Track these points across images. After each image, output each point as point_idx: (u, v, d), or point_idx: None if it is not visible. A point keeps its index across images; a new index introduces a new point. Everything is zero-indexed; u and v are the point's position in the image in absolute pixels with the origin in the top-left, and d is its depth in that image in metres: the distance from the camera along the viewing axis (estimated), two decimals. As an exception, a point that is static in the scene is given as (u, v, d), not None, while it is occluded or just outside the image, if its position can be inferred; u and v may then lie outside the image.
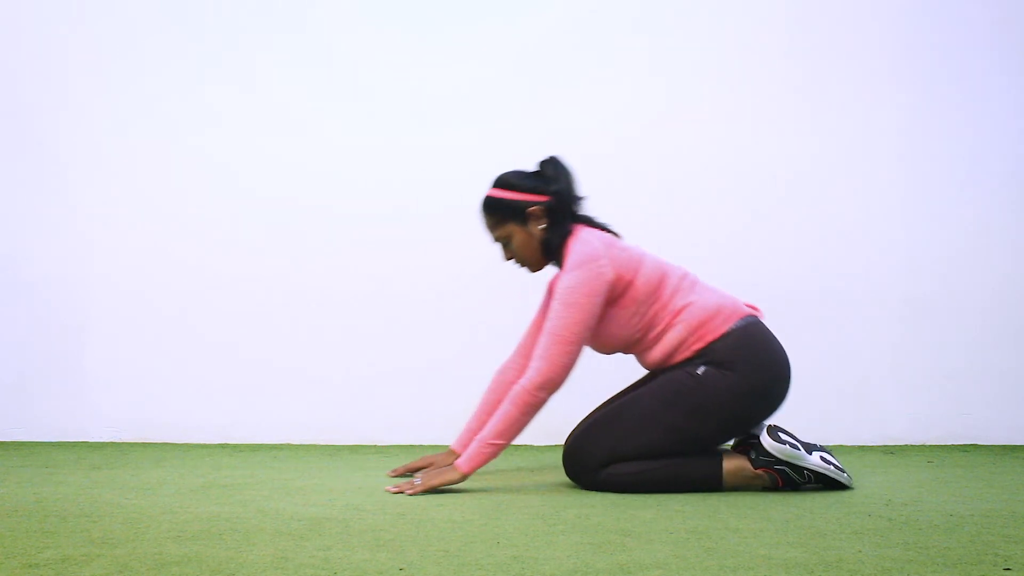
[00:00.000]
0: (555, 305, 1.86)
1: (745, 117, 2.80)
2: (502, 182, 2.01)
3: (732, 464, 1.85)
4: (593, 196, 2.78)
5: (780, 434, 1.84)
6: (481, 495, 1.83)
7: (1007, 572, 1.17)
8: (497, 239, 2.02)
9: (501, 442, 1.85)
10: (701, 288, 1.94)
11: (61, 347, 2.86)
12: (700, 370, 1.85)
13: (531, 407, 1.85)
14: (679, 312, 1.89)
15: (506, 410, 1.85)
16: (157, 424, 2.82)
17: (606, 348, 1.98)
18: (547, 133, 2.80)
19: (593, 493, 1.85)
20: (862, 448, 2.64)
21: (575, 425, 2.03)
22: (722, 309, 1.89)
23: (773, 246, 2.76)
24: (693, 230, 2.74)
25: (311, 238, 2.84)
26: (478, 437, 1.87)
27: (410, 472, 2.08)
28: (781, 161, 2.79)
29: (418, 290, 2.82)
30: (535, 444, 2.74)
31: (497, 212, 1.99)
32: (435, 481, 1.85)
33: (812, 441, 1.91)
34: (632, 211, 2.77)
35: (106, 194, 2.88)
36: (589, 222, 2.00)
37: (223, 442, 2.79)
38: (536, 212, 1.96)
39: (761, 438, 1.83)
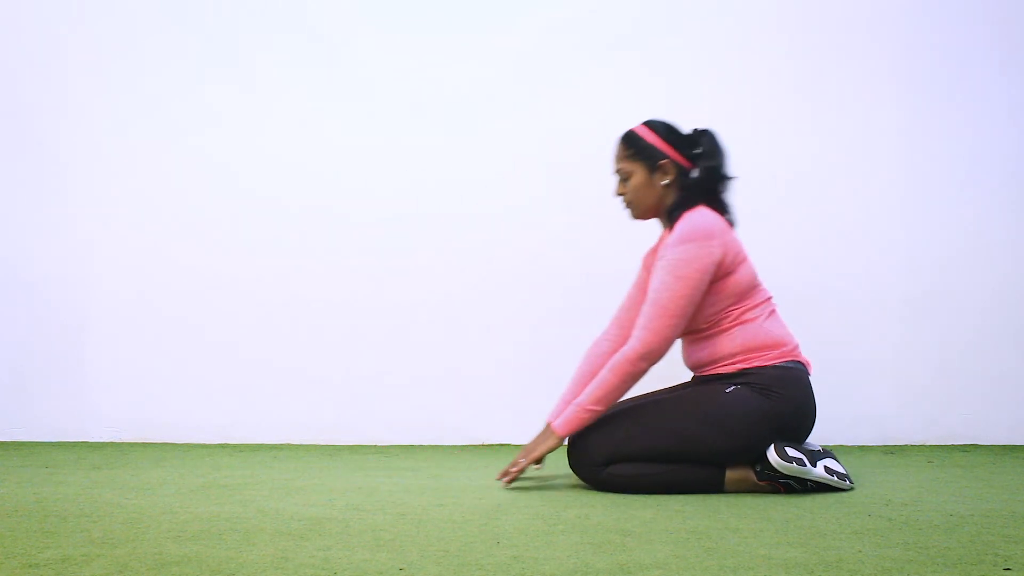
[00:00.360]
0: (663, 276, 1.85)
1: (745, 117, 2.80)
2: (652, 125, 1.99)
3: (735, 474, 1.84)
4: (592, 195, 2.79)
5: (787, 450, 1.81)
6: (481, 495, 1.83)
7: (1007, 572, 1.17)
8: (618, 171, 2.00)
9: (598, 408, 1.85)
10: (776, 318, 1.95)
11: (61, 347, 2.86)
12: (729, 389, 1.85)
13: (631, 376, 1.84)
14: (745, 323, 1.89)
15: (605, 377, 1.85)
16: (157, 424, 2.82)
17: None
18: (547, 133, 2.81)
19: (593, 493, 1.85)
20: (862, 448, 2.64)
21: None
22: (783, 344, 1.89)
23: (773, 246, 2.75)
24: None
25: (311, 238, 2.84)
26: (575, 402, 1.87)
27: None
28: (781, 161, 2.79)
29: (418, 290, 2.82)
30: (535, 444, 2.74)
31: (633, 147, 1.97)
32: (536, 452, 1.87)
33: (816, 446, 1.90)
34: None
35: (106, 194, 2.88)
36: (726, 209, 1.98)
37: (223, 442, 2.79)
38: (667, 167, 1.95)
39: (768, 454, 1.81)
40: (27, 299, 2.87)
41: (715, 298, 1.89)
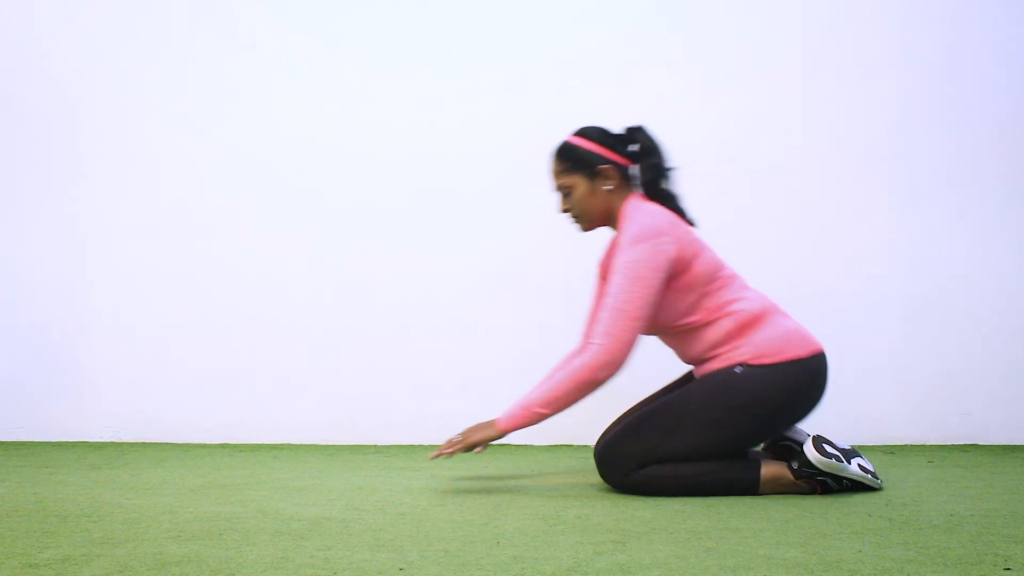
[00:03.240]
0: (617, 280, 1.81)
1: (745, 114, 2.80)
2: (584, 132, 1.96)
3: (770, 471, 1.82)
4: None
5: (825, 446, 1.80)
6: (481, 495, 1.83)
7: (1007, 572, 1.17)
8: (559, 188, 1.96)
9: (546, 412, 1.80)
10: (750, 290, 1.93)
11: (61, 347, 2.86)
12: (738, 369, 1.83)
13: (588, 385, 1.79)
14: (727, 305, 1.86)
15: (561, 382, 1.79)
16: (157, 424, 2.82)
17: (648, 328, 1.93)
18: (548, 135, 2.80)
19: (593, 493, 1.85)
20: (862, 448, 2.64)
21: (606, 426, 2.01)
22: (769, 312, 1.88)
23: (773, 245, 2.76)
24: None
25: (310, 239, 2.84)
26: (526, 399, 1.82)
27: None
28: (782, 160, 2.79)
29: (418, 291, 2.81)
30: (535, 444, 2.74)
31: (569, 159, 1.93)
32: (474, 437, 1.83)
33: (846, 445, 1.89)
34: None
35: (106, 194, 2.88)
36: (673, 200, 1.96)
37: (223, 442, 2.79)
38: (608, 171, 1.91)
39: (806, 449, 1.79)
40: (27, 299, 2.87)
41: (683, 294, 1.86)
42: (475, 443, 1.83)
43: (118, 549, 1.32)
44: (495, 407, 2.80)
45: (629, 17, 2.84)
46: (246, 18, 2.89)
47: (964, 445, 2.68)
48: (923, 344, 2.73)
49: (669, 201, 1.95)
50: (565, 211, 1.97)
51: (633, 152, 1.95)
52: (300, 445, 2.75)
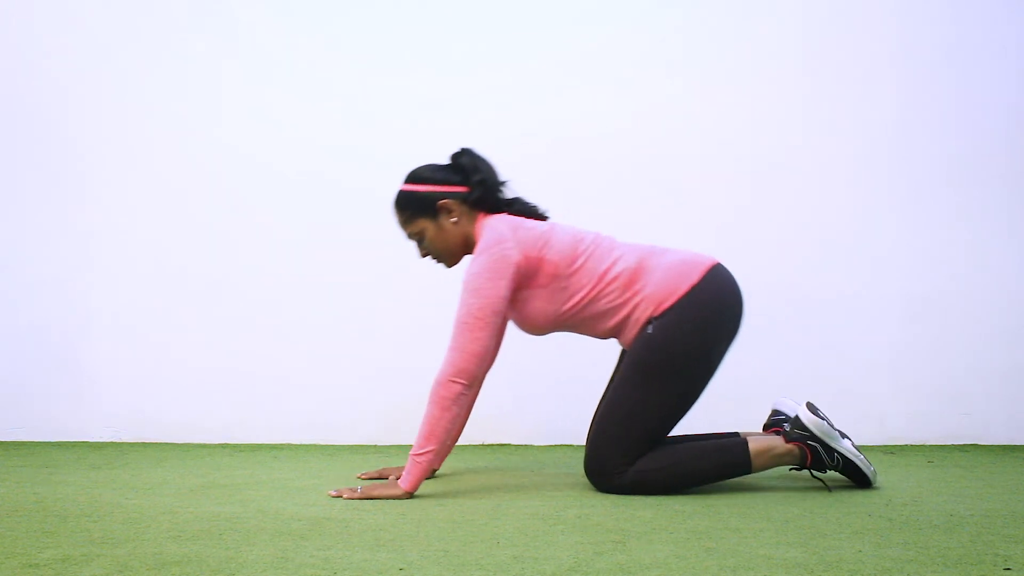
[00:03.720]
0: (461, 295, 1.84)
1: (745, 114, 2.80)
2: (413, 176, 1.98)
3: (759, 444, 1.84)
4: (583, 192, 2.79)
5: (818, 411, 1.84)
6: (481, 495, 1.83)
7: (1007, 572, 1.17)
8: (410, 236, 1.99)
9: (431, 448, 1.78)
10: (622, 247, 1.91)
11: (61, 347, 2.86)
12: (649, 329, 1.83)
13: (448, 400, 1.80)
14: (605, 274, 1.86)
15: (427, 412, 1.80)
16: (157, 424, 2.81)
17: (538, 328, 1.95)
18: (540, 137, 2.81)
19: (593, 493, 1.85)
20: (862, 448, 2.63)
21: (588, 428, 2.01)
22: (647, 260, 1.87)
23: (774, 246, 2.76)
24: (690, 229, 2.74)
25: (310, 239, 2.84)
26: (410, 453, 1.80)
27: (379, 477, 2.06)
28: (781, 159, 2.79)
29: (419, 290, 2.81)
30: (535, 444, 2.74)
31: (407, 207, 1.96)
32: (375, 493, 1.78)
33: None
34: (628, 208, 2.78)
35: (106, 194, 2.88)
36: (517, 204, 1.98)
37: (223, 442, 2.79)
38: (447, 205, 1.93)
39: (799, 411, 1.84)
40: (27, 299, 2.87)
41: (553, 284, 1.87)
42: (375, 497, 1.78)
43: (118, 549, 1.32)
44: (494, 407, 2.81)
45: (629, 17, 2.84)
46: (246, 18, 2.89)
47: (964, 445, 2.68)
48: (923, 344, 2.73)
49: (513, 207, 1.97)
50: (424, 256, 2.01)
51: (463, 176, 1.96)
52: (300, 445, 2.75)
